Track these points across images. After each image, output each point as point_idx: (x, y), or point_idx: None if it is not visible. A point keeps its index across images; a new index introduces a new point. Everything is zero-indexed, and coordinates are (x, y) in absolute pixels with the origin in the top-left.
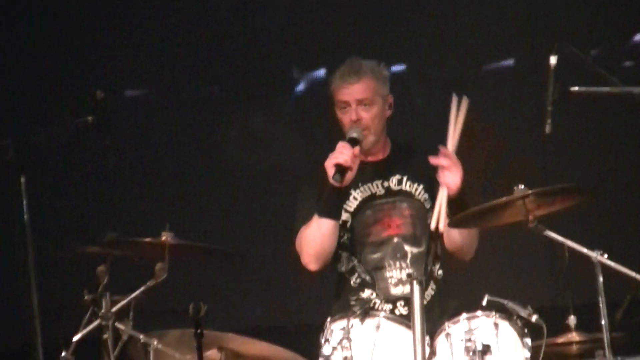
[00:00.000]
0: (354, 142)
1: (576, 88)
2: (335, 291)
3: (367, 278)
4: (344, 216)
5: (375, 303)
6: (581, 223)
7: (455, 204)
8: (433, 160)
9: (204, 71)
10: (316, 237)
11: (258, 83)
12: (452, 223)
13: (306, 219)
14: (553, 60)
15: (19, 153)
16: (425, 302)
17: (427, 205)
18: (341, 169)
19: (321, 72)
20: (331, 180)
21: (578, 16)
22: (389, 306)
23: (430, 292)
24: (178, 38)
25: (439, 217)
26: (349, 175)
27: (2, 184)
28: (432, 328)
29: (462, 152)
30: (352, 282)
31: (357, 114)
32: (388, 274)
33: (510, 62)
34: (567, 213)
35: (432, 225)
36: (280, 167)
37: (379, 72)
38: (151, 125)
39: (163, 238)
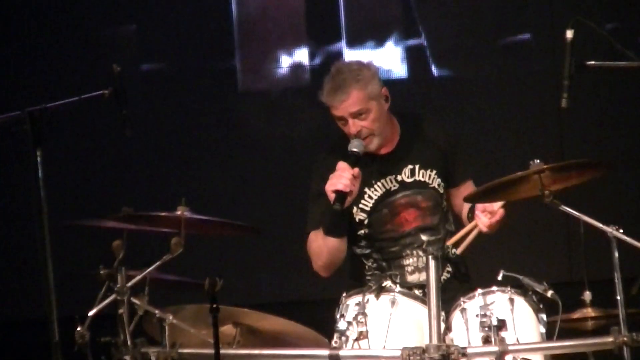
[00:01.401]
0: (355, 158)
1: (592, 62)
2: (351, 269)
3: (384, 264)
4: (361, 215)
5: (390, 287)
6: (597, 198)
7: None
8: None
9: (220, 44)
10: (323, 252)
11: (274, 56)
12: (468, 198)
13: (314, 226)
14: (569, 34)
15: (35, 126)
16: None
17: (442, 190)
18: (341, 195)
19: (338, 45)
20: (333, 206)
21: None
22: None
23: (446, 275)
24: (194, 11)
25: (462, 243)
26: (350, 198)
27: (18, 156)
28: (447, 308)
29: None
30: (367, 267)
31: (355, 126)
32: (405, 262)
33: (527, 35)
34: (583, 188)
35: (454, 249)
36: (297, 142)
37: (364, 77)
38: (166, 99)
39: (179, 212)
